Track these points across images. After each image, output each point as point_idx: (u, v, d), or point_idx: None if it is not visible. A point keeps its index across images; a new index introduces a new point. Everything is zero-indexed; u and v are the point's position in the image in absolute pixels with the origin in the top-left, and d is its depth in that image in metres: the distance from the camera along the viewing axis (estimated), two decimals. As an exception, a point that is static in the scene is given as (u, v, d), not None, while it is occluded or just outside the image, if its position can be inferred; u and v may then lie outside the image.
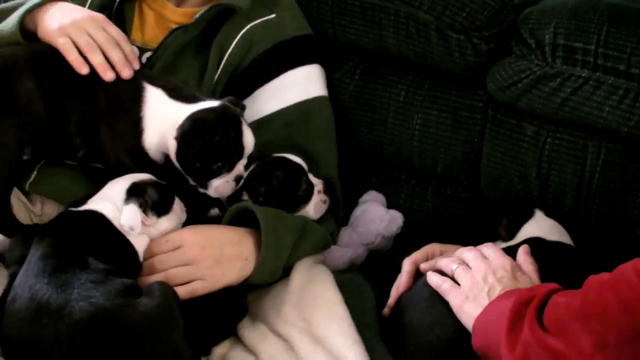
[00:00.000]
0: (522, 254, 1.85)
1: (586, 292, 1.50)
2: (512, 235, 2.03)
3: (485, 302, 1.69)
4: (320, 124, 2.22)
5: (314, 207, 2.08)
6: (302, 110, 2.18)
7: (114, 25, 2.00)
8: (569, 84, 2.06)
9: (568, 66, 2.07)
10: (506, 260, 1.79)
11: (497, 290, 1.70)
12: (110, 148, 1.93)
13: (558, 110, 2.07)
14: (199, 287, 1.84)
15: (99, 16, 2.01)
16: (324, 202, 2.10)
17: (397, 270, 1.99)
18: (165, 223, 1.90)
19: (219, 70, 2.15)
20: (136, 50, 2.16)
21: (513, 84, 2.12)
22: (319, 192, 2.09)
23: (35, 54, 1.94)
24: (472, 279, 1.76)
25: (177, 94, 1.94)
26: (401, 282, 1.95)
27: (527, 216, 2.05)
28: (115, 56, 1.93)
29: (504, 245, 2.00)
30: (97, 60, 1.92)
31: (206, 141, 1.85)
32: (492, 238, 2.05)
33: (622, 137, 2.02)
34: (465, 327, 1.70)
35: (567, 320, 1.47)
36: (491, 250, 1.83)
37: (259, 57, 2.17)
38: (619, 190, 2.06)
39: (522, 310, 1.56)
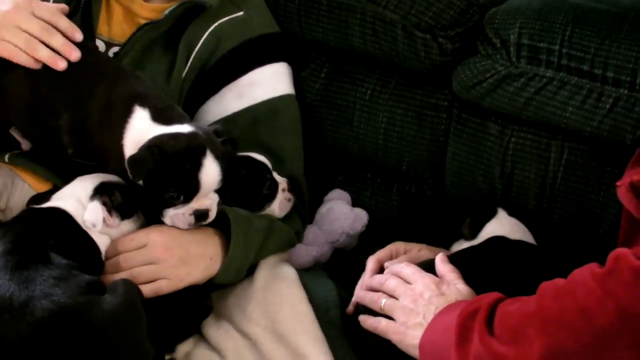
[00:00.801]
0: (440, 264, 1.82)
1: (541, 298, 1.49)
2: (474, 234, 2.03)
3: (424, 327, 1.67)
4: (287, 122, 2.22)
5: (279, 205, 2.08)
6: (269, 108, 2.17)
7: (40, 3, 1.93)
8: (533, 84, 2.07)
9: (532, 66, 2.09)
10: (427, 278, 1.77)
11: (432, 312, 1.68)
12: (107, 160, 1.89)
13: (522, 109, 2.08)
14: (164, 286, 1.84)
15: (23, 2, 1.92)
16: (289, 200, 2.10)
17: (362, 268, 2.00)
18: (127, 226, 1.90)
19: (187, 67, 2.14)
20: (102, 45, 2.15)
21: (478, 83, 2.13)
22: (284, 190, 2.09)
23: None
24: (404, 310, 1.73)
25: (163, 115, 1.84)
26: (365, 280, 1.95)
27: (490, 215, 2.05)
28: (57, 43, 1.88)
29: (467, 244, 2.02)
30: (44, 55, 1.87)
31: (156, 168, 1.74)
32: (455, 237, 2.07)
33: (585, 136, 2.04)
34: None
35: (521, 327, 1.46)
36: (410, 271, 1.81)
37: (226, 55, 2.17)
38: (581, 190, 2.07)
39: (468, 323, 1.54)
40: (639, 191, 1.68)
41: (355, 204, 2.32)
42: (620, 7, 2.02)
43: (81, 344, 1.59)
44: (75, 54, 1.88)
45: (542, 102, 2.06)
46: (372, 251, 2.04)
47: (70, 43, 1.89)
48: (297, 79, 2.32)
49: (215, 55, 2.16)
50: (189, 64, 2.14)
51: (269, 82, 2.20)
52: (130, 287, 1.70)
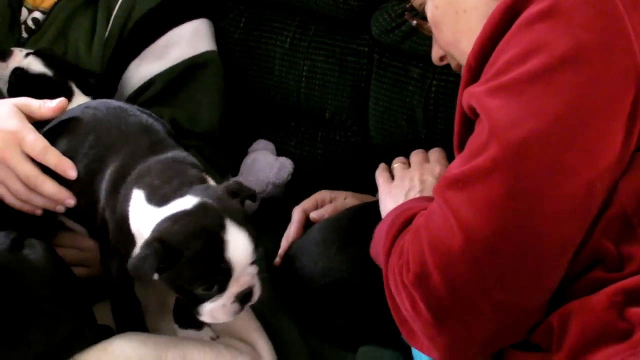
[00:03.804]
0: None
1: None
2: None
3: (401, 200, 1.68)
4: (206, 78, 2.18)
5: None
6: (189, 67, 2.14)
7: (29, 132, 1.70)
8: (452, 25, 2.06)
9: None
10: (438, 167, 1.80)
11: (414, 193, 1.70)
12: None
13: (442, 52, 2.07)
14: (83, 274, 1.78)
15: (9, 136, 1.70)
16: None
17: (290, 218, 1.99)
18: None
19: (107, 32, 2.11)
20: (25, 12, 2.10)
21: (396, 27, 2.11)
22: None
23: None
24: (401, 179, 1.78)
25: (155, 194, 1.52)
26: (291, 231, 1.95)
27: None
28: (48, 191, 1.69)
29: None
30: (38, 202, 1.72)
31: (168, 266, 1.43)
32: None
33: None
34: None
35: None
36: (437, 156, 1.85)
37: (143, 17, 2.13)
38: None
39: (409, 213, 1.48)
40: None
41: (280, 153, 2.31)
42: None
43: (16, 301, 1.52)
44: (68, 202, 1.70)
45: (461, 44, 2.04)
46: (299, 200, 2.02)
47: (62, 189, 1.69)
48: (216, 30, 2.28)
49: (133, 18, 2.12)
50: (108, 29, 2.10)
51: (189, 40, 2.16)
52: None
